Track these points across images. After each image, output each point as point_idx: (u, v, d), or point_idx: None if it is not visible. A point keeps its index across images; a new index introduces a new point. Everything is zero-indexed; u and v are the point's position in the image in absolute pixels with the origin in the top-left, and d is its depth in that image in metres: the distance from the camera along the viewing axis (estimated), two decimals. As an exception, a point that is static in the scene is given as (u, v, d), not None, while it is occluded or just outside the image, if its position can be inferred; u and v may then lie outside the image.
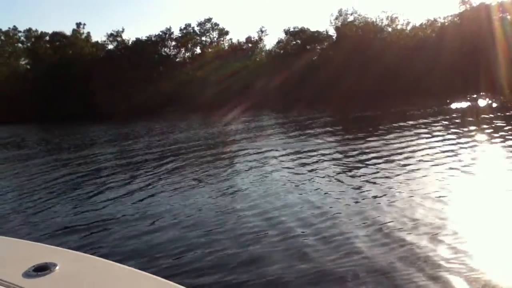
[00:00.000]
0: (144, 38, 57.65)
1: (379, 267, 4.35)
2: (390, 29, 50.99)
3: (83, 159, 14.49)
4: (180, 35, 57.51)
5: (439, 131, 14.18)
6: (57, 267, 1.81)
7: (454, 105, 23.78)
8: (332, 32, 52.90)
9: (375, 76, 40.27)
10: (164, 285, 1.69)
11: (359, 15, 51.50)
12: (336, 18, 52.05)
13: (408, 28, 51.08)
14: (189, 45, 57.61)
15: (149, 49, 55.58)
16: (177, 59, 58.13)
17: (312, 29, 53.56)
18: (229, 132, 20.31)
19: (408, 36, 49.35)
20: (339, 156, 11.20)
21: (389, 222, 5.66)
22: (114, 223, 6.68)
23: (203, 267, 4.74)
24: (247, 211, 6.71)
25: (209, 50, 57.15)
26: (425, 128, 15.17)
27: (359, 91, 38.44)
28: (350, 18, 51.64)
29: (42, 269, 1.80)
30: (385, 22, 51.27)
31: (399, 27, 51.19)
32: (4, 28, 66.19)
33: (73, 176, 11.22)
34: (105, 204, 7.89)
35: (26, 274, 1.77)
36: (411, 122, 17.18)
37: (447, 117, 18.31)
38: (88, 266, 1.90)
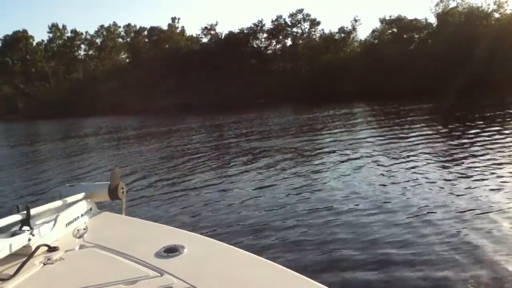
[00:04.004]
0: (236, 31, 58.81)
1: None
2: (497, 15, 47.16)
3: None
4: (271, 27, 57.72)
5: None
6: (185, 249, 1.88)
7: None
8: (432, 19, 50.20)
9: (482, 66, 37.42)
10: (286, 273, 1.69)
11: (462, 0, 48.23)
12: (437, 5, 49.14)
13: (518, 13, 46.89)
14: (280, 37, 57.52)
15: (241, 41, 56.33)
16: (268, 51, 58.38)
17: (410, 17, 51.19)
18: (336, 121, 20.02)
19: (519, 21, 45.25)
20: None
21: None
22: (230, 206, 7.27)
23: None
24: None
25: (300, 41, 56.64)
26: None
27: (465, 81, 35.87)
28: (453, 4, 48.53)
29: (172, 251, 1.87)
30: (492, 7, 47.52)
31: (508, 11, 47.20)
32: (106, 25, 70.75)
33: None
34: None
35: (158, 255, 1.85)
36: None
37: None
38: (214, 250, 1.95)
